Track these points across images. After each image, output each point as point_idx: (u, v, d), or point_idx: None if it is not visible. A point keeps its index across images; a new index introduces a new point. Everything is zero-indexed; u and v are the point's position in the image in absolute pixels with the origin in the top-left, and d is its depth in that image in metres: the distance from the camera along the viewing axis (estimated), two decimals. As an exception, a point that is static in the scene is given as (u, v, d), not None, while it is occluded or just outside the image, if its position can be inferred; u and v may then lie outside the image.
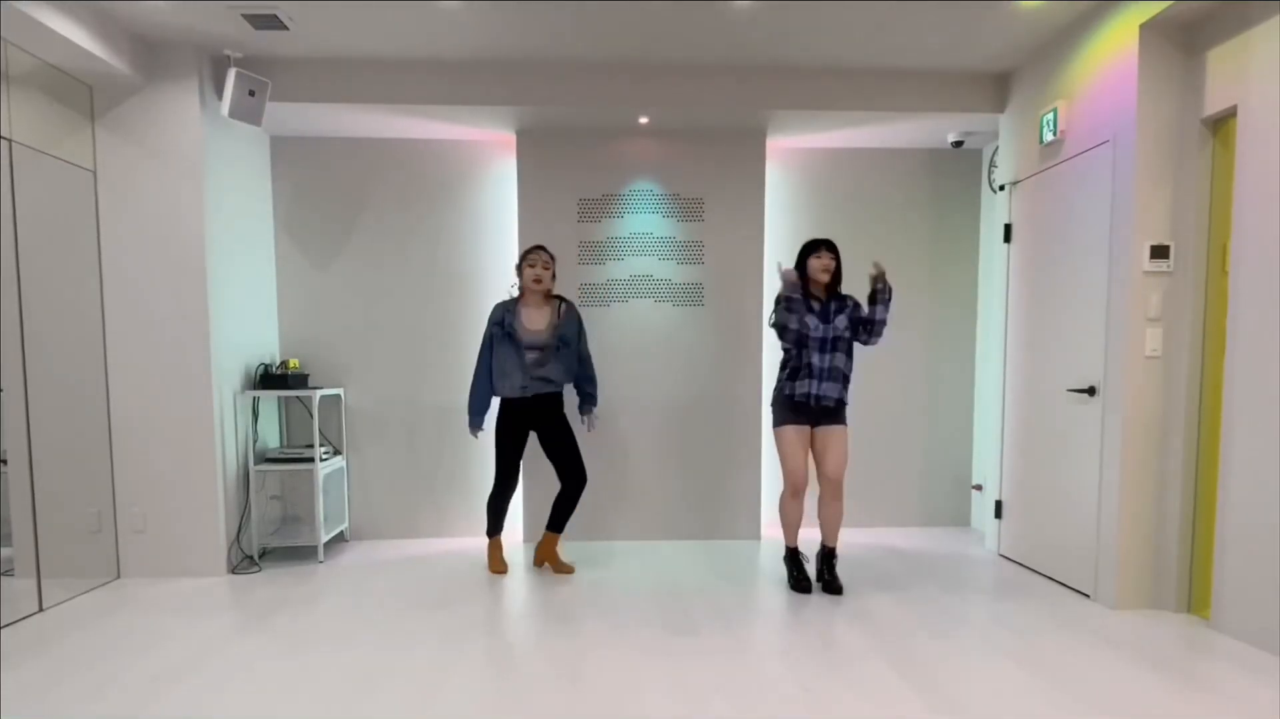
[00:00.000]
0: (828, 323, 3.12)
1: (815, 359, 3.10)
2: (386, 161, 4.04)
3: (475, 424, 3.46)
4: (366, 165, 4.03)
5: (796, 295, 3.07)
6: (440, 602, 3.07)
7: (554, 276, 3.45)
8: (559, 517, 3.50)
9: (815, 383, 3.10)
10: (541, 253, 3.39)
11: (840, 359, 3.13)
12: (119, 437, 3.38)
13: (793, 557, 3.29)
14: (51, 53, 2.95)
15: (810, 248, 3.22)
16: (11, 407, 2.90)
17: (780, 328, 3.15)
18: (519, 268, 3.41)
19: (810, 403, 3.12)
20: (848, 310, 3.16)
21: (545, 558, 3.53)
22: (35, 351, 2.98)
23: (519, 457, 3.46)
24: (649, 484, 4.07)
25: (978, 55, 3.47)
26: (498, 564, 3.51)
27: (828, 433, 3.17)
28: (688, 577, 3.41)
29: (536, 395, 3.36)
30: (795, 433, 3.16)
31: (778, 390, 3.23)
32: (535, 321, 3.38)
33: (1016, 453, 3.66)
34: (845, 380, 3.16)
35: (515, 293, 3.47)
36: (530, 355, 3.33)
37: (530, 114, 3.71)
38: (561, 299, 3.47)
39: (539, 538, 3.95)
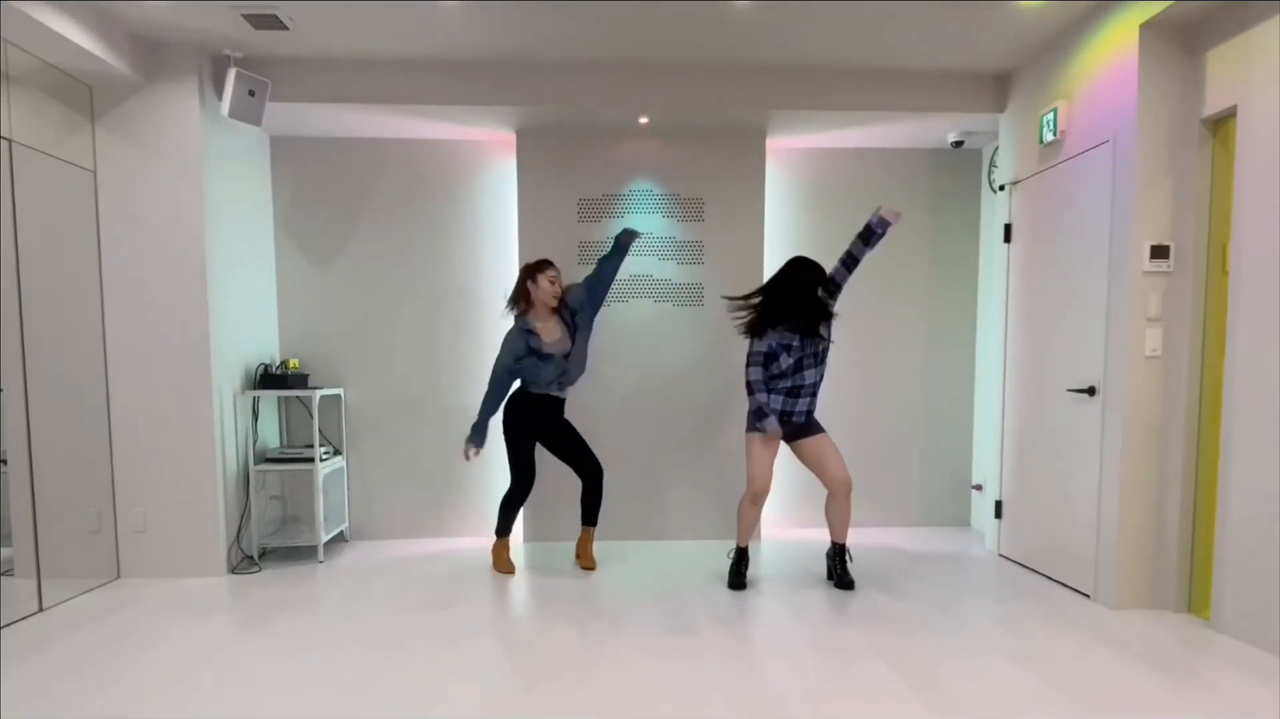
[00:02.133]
0: (807, 340, 3.14)
1: (790, 380, 3.14)
2: (386, 161, 4.04)
3: (477, 440, 3.38)
4: (366, 165, 4.03)
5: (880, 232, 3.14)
6: (440, 602, 3.07)
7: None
8: (589, 510, 3.57)
9: (790, 400, 3.16)
10: (554, 267, 3.42)
11: (812, 374, 3.16)
12: (119, 437, 3.38)
13: (740, 556, 3.30)
14: (51, 53, 2.95)
15: (809, 271, 3.18)
16: (11, 407, 2.90)
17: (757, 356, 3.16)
18: (533, 278, 3.37)
19: (782, 419, 3.17)
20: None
21: (580, 552, 3.59)
22: (35, 351, 2.98)
23: (532, 455, 3.49)
24: (649, 484, 4.07)
25: (978, 55, 3.47)
26: (504, 564, 3.51)
27: (814, 443, 3.23)
28: (688, 577, 3.41)
29: (546, 396, 3.43)
30: (764, 442, 3.19)
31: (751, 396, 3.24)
32: (551, 333, 3.41)
33: (1016, 453, 3.66)
34: (816, 392, 3.20)
35: (512, 311, 3.45)
36: (562, 363, 3.41)
37: (530, 114, 3.70)
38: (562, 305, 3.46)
39: (539, 539, 3.96)
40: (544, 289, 3.36)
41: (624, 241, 3.50)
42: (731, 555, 3.35)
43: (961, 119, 3.79)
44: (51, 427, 3.07)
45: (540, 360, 3.36)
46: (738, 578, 3.26)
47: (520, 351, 3.35)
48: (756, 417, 3.15)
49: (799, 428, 3.23)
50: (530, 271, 3.40)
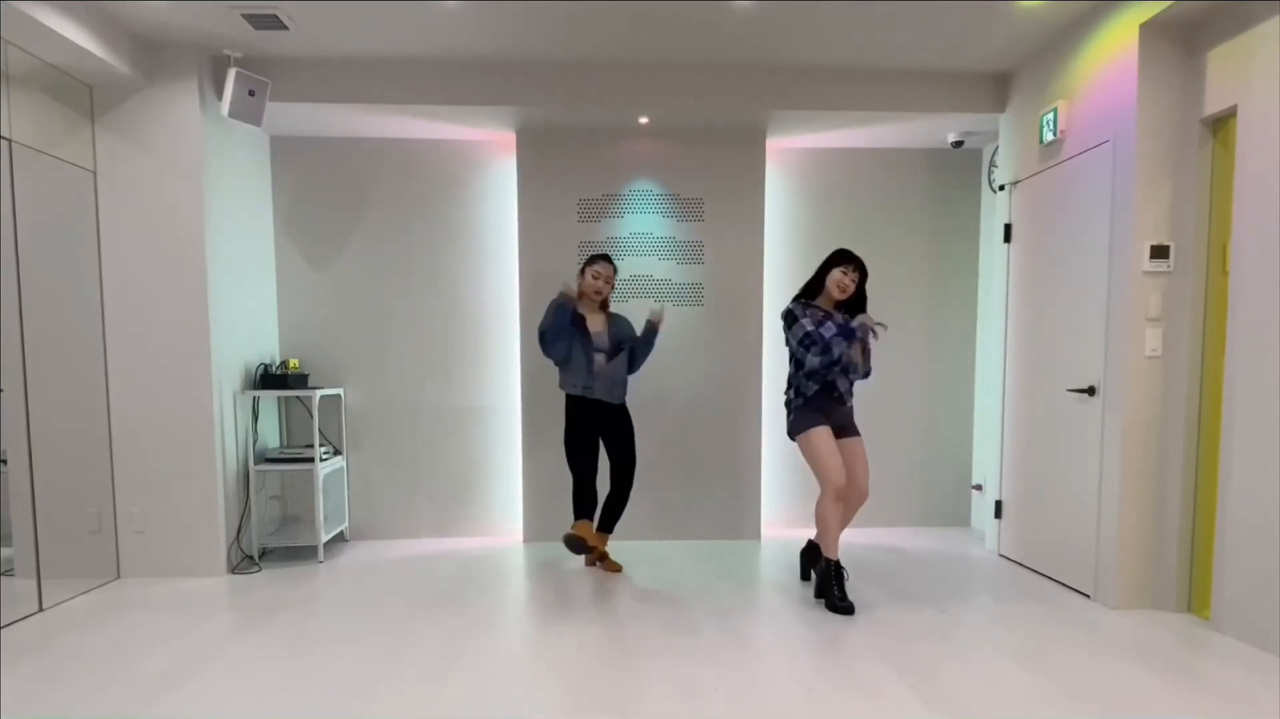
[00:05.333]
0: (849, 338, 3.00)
1: (838, 379, 3.07)
2: (386, 161, 4.04)
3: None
4: (366, 165, 4.03)
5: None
6: (440, 602, 3.07)
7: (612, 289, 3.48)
8: (608, 518, 3.53)
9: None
10: (608, 265, 3.41)
11: (843, 381, 3.11)
12: (119, 437, 3.38)
13: (836, 573, 2.94)
14: (51, 53, 2.95)
15: (838, 259, 3.05)
16: (11, 407, 2.90)
17: (799, 362, 3.04)
18: (583, 270, 3.42)
19: (836, 400, 3.07)
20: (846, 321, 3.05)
21: (596, 558, 3.55)
22: (35, 351, 2.98)
23: (594, 459, 3.45)
24: (650, 484, 4.05)
25: (978, 55, 3.47)
26: (593, 538, 3.40)
27: (852, 444, 3.09)
28: (688, 577, 3.41)
29: (602, 403, 3.39)
30: (827, 433, 2.99)
31: (796, 398, 3.09)
32: (595, 324, 3.41)
33: (1016, 453, 3.65)
34: (846, 401, 3.15)
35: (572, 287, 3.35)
36: (598, 357, 3.37)
37: (530, 114, 3.70)
38: (612, 314, 3.52)
39: (538, 539, 3.96)
40: (587, 282, 3.39)
41: (653, 327, 3.46)
42: (820, 571, 3.02)
43: (961, 119, 3.79)
44: (51, 427, 3.07)
45: (580, 336, 3.31)
46: (843, 599, 2.89)
47: (564, 318, 3.26)
48: (806, 394, 3.03)
49: (835, 429, 3.07)
50: (586, 262, 3.45)
